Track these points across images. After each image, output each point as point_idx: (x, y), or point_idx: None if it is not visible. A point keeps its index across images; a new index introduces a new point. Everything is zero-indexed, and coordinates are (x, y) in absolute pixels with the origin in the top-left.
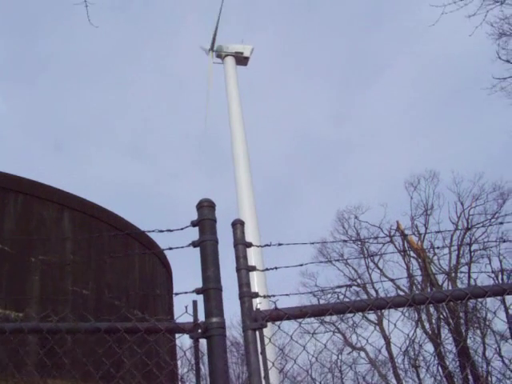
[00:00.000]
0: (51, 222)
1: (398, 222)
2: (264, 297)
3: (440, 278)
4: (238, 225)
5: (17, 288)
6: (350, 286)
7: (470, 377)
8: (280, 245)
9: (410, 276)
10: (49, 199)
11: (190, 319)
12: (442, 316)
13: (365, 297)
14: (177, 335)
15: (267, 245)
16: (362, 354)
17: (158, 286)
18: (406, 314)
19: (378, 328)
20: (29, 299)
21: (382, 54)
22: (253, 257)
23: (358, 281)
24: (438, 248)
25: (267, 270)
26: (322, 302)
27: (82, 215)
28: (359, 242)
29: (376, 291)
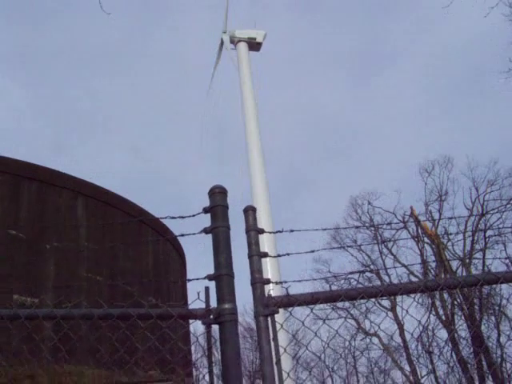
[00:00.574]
0: (65, 208)
1: (411, 207)
2: (276, 283)
3: (454, 264)
4: (249, 211)
5: (32, 275)
6: (363, 271)
7: (483, 363)
8: (292, 231)
9: (424, 262)
10: (63, 186)
11: (203, 305)
12: (455, 302)
13: (378, 283)
14: (190, 321)
15: (279, 231)
16: (375, 339)
17: (171, 272)
18: (420, 300)
19: (390, 314)
20: (44, 286)
21: (396, 39)
22: (265, 243)
23: (372, 267)
24: (451, 234)
25: (279, 256)
26: (334, 288)
27: (95, 202)
28: (372, 228)
29: (389, 277)
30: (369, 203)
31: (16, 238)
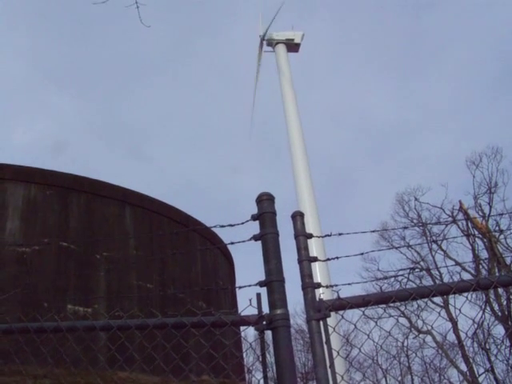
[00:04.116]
0: (113, 218)
1: (460, 201)
2: (326, 287)
3: (508, 256)
4: (297, 216)
5: (84, 285)
6: (413, 269)
7: None
8: (340, 234)
9: (476, 257)
10: (110, 197)
11: (255, 312)
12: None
13: (429, 279)
14: (242, 327)
15: (327, 235)
16: (429, 337)
17: (220, 278)
18: (473, 297)
19: (443, 312)
20: (96, 295)
21: (438, 33)
22: (314, 247)
23: (421, 264)
24: (502, 232)
25: (328, 259)
26: (384, 286)
27: (142, 210)
28: (421, 224)
29: (440, 274)
30: (415, 199)
31: (67, 249)
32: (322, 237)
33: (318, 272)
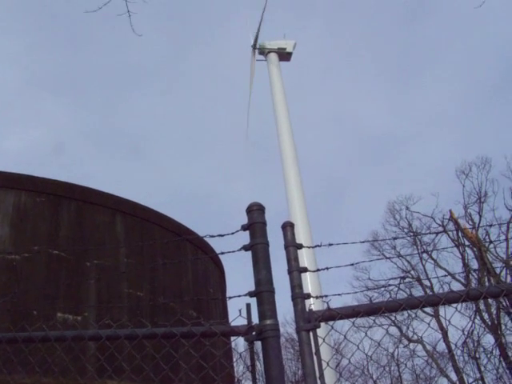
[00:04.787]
0: (104, 226)
1: (450, 210)
2: (316, 297)
3: (498, 266)
4: (288, 227)
5: (74, 293)
6: (404, 278)
7: None
8: (330, 245)
9: (466, 267)
10: (101, 204)
11: (244, 322)
12: (501, 306)
13: (419, 289)
14: (232, 338)
15: (318, 245)
16: (419, 346)
17: (211, 286)
18: (463, 308)
19: (433, 322)
20: (86, 303)
21: (432, 44)
22: (305, 256)
23: (412, 273)
24: (492, 242)
25: (318, 270)
26: (375, 295)
27: (133, 219)
28: (412, 233)
29: (431, 283)
30: (407, 208)
31: (58, 257)
32: (313, 247)
33: (309, 282)
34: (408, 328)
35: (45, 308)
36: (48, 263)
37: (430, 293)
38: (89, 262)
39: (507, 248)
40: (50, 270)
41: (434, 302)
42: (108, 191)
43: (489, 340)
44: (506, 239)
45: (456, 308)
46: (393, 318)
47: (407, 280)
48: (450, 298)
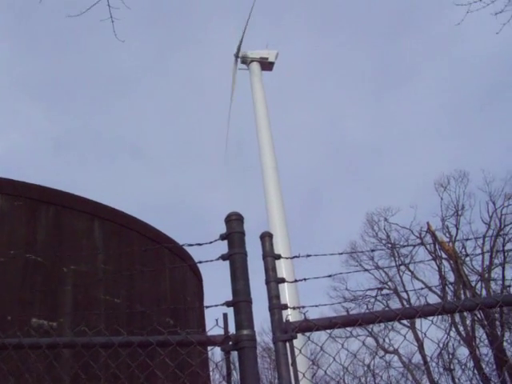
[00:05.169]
0: (82, 232)
1: (428, 223)
2: (293, 308)
3: (473, 279)
4: (266, 237)
5: (50, 298)
6: (381, 289)
7: (507, 379)
8: (308, 256)
9: (443, 279)
10: (79, 209)
11: (221, 331)
12: (476, 318)
13: (396, 300)
14: (208, 347)
15: (296, 256)
16: (396, 357)
17: (189, 293)
18: (439, 321)
19: (409, 334)
20: (62, 309)
21: (412, 58)
22: (283, 267)
23: (389, 284)
24: (468, 256)
25: (296, 281)
26: (352, 305)
27: (112, 225)
28: (389, 245)
29: (407, 294)
30: (385, 220)
31: (34, 262)
32: (291, 258)
33: (287, 292)
34: (384, 340)
35: (19, 313)
36: (24, 268)
37: (407, 304)
38: (66, 268)
39: (482, 261)
40: (26, 275)
41: (411, 314)
42: (87, 196)
43: (463, 352)
44: (482, 253)
45: (432, 321)
46: (370, 329)
47: (384, 291)
48: (426, 311)
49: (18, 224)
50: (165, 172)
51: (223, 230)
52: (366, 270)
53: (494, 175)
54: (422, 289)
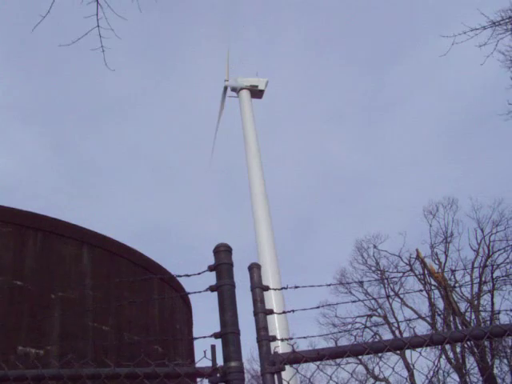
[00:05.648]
0: (71, 258)
1: (417, 250)
2: (282, 340)
3: (462, 306)
4: (254, 268)
5: (37, 325)
6: (370, 316)
7: None
8: (297, 287)
9: (432, 306)
10: (68, 236)
11: (209, 363)
12: (466, 345)
13: (386, 327)
14: (197, 379)
15: (284, 287)
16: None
17: (177, 321)
18: (426, 353)
19: (399, 363)
20: (49, 336)
21: (400, 87)
22: (273, 296)
23: (379, 311)
24: (457, 283)
25: (284, 312)
26: (341, 333)
27: (101, 251)
28: (379, 272)
29: (397, 320)
30: (374, 247)
31: (21, 288)
32: (279, 289)
33: (276, 321)
34: (374, 368)
35: (5, 341)
36: (11, 294)
37: (397, 331)
38: (53, 294)
39: (472, 288)
40: (13, 302)
41: (399, 346)
42: (75, 223)
43: (454, 379)
44: (471, 280)
45: (420, 353)
46: (360, 357)
47: (374, 319)
48: (415, 343)
49: (6, 250)
50: (154, 199)
51: (211, 255)
52: (354, 301)
53: (482, 202)
54: (410, 320)
